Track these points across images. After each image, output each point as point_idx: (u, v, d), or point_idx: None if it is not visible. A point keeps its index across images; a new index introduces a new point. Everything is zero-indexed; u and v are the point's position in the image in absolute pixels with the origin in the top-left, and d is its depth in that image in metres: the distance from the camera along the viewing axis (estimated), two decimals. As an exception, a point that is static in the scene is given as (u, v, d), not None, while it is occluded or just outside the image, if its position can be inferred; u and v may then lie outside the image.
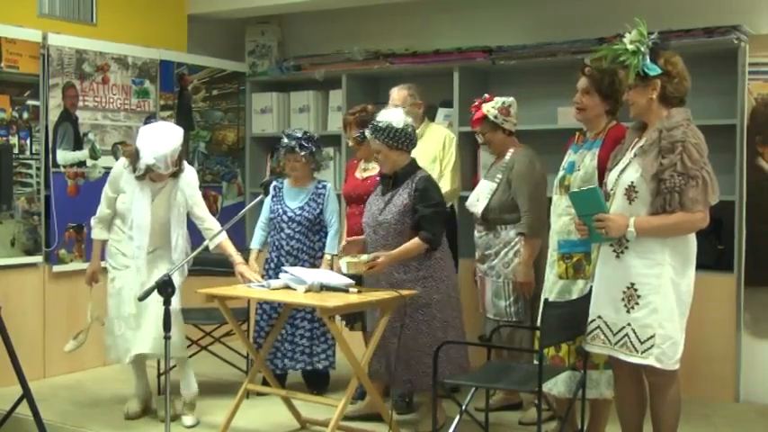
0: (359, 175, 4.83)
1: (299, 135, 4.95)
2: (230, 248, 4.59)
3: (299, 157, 4.91)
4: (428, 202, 4.21)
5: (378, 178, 4.57)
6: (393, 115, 4.29)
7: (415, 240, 4.16)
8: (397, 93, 5.10)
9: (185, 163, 4.61)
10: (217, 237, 4.51)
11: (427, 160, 5.01)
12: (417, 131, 5.08)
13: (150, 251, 4.52)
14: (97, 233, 4.66)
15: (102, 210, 4.63)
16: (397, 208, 4.23)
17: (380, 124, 4.25)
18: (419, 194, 4.22)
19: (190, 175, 4.62)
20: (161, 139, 4.39)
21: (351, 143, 4.84)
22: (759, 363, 5.04)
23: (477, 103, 4.68)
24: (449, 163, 5.07)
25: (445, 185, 5.03)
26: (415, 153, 4.87)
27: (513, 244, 4.47)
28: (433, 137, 5.10)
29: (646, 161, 3.39)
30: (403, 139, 4.25)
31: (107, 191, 4.61)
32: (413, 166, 4.34)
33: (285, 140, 4.95)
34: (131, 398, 4.70)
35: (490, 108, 4.58)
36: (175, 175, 4.52)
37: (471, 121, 4.72)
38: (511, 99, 4.63)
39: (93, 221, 4.67)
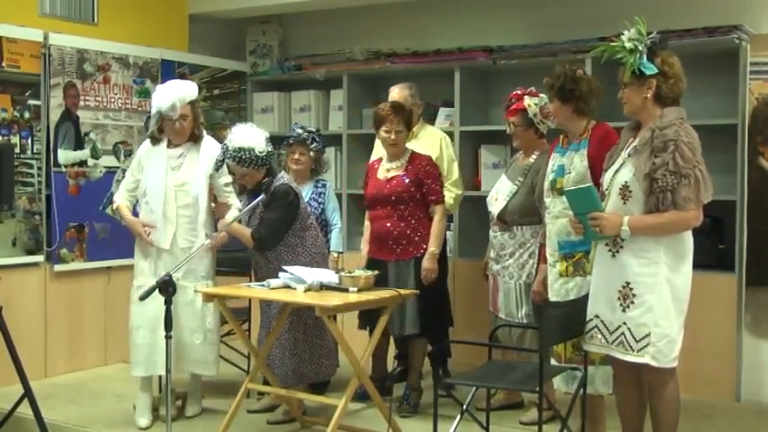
0: (382, 175, 4.72)
1: (314, 129, 4.99)
2: (238, 229, 4.43)
3: (308, 149, 4.88)
4: (269, 208, 4.34)
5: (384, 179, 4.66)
6: (252, 139, 4.32)
7: (249, 232, 4.36)
8: (399, 92, 5.08)
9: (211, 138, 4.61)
10: (231, 214, 4.46)
11: None
12: (413, 131, 5.06)
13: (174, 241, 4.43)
14: (117, 198, 4.64)
15: (122, 189, 4.63)
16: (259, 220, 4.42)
17: (244, 155, 4.27)
18: (267, 202, 4.35)
19: (215, 146, 4.58)
20: (170, 87, 4.50)
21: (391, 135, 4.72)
22: (759, 363, 5.05)
23: (519, 92, 4.50)
24: (452, 161, 5.07)
25: (456, 189, 5.02)
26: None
27: (528, 245, 4.41)
28: (428, 138, 5.10)
29: (639, 161, 3.39)
30: (265, 158, 4.34)
31: (130, 169, 4.62)
32: (269, 175, 4.40)
33: (298, 131, 4.91)
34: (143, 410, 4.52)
35: (532, 104, 4.43)
36: (195, 139, 4.54)
37: (507, 110, 4.52)
38: None
39: (115, 197, 4.70)
